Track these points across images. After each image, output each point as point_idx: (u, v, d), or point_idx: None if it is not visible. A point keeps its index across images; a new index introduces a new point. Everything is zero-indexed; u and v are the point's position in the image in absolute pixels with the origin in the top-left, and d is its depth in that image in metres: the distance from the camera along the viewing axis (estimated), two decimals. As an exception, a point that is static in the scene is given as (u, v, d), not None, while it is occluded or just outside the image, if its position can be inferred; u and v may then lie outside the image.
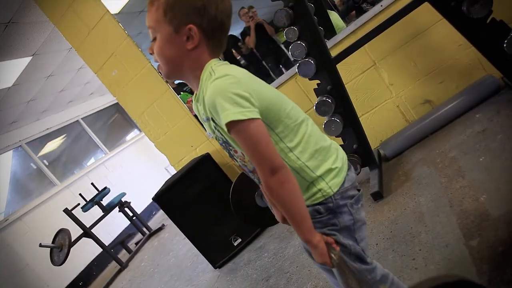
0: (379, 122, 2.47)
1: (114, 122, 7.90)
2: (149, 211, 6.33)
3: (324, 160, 0.93)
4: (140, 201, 5.86)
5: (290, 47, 2.03)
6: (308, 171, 0.92)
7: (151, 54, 0.96)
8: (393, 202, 1.91)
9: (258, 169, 0.85)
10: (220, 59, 0.95)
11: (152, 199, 2.60)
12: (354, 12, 2.58)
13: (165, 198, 2.65)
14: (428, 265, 1.40)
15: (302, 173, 0.92)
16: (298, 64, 2.04)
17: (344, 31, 2.43)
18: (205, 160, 2.69)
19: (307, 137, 0.92)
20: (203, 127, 1.00)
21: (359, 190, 0.99)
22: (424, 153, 2.14)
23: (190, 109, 2.95)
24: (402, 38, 2.32)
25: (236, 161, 0.99)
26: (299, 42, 2.00)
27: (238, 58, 3.45)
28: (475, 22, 1.74)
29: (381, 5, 2.29)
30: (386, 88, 2.46)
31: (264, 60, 3.79)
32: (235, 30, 3.25)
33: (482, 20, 1.74)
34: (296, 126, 0.92)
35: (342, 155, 0.99)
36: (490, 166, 1.67)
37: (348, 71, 2.17)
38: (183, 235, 2.74)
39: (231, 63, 0.93)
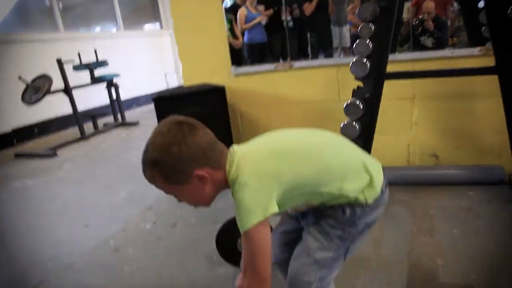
0: (385, 148, 2.52)
1: (141, 6, 7.62)
2: (130, 103, 6.27)
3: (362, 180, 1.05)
4: (127, 90, 5.78)
5: (357, 41, 2.02)
6: (352, 195, 1.01)
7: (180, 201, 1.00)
8: (361, 222, 2.00)
9: (249, 273, 0.94)
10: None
11: (152, 99, 2.60)
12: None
13: (162, 103, 2.63)
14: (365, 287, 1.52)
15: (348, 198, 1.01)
16: (354, 60, 2.03)
17: (406, 55, 2.43)
18: (218, 91, 2.69)
19: (343, 171, 1.01)
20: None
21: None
22: (408, 197, 2.24)
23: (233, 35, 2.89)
24: (451, 91, 2.35)
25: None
26: (368, 42, 2.00)
27: (286, 18, 3.31)
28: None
29: (452, 53, 2.30)
30: (409, 124, 2.51)
31: (310, 34, 3.72)
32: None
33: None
34: (334, 174, 0.99)
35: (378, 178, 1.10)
36: (458, 240, 1.78)
37: (387, 90, 2.18)
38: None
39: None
